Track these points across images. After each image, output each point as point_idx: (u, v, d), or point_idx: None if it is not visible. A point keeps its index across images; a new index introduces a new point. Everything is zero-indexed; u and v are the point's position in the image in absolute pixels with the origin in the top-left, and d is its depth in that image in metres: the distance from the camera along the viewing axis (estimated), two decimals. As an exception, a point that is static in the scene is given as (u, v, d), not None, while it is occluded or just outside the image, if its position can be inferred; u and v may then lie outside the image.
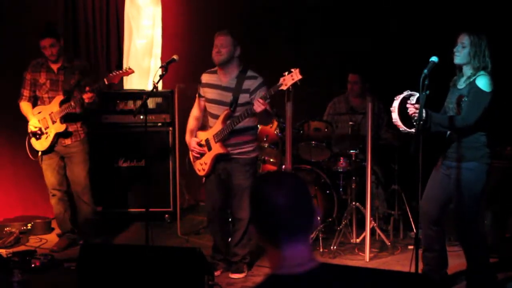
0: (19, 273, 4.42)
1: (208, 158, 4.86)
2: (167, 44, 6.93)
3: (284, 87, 4.46)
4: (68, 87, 5.41)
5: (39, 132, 5.43)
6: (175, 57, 4.82)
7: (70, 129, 5.48)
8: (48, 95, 5.44)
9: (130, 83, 6.77)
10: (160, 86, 5.18)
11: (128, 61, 6.83)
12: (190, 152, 5.05)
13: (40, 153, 5.51)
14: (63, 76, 5.44)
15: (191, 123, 5.03)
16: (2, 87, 6.29)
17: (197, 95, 5.01)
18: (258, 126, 5.32)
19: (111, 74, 5.26)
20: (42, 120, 5.43)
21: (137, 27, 6.85)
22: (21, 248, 5.66)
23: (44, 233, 6.13)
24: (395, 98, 4.29)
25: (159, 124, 6.42)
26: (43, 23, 6.32)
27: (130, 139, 6.34)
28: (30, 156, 5.55)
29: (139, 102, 6.15)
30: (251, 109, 4.52)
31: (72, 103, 5.30)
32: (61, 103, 5.37)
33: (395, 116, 4.27)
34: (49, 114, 5.40)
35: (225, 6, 7.04)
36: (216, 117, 4.80)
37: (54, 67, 5.45)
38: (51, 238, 5.95)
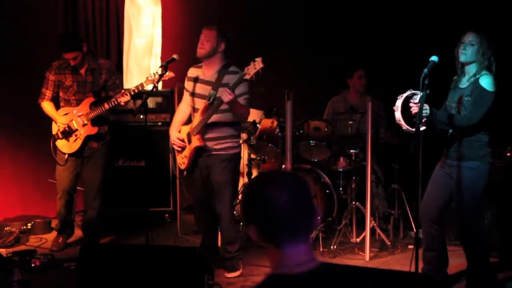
0: (19, 272, 4.42)
1: (188, 151, 4.89)
2: (167, 44, 6.94)
3: (247, 77, 4.47)
4: (98, 88, 5.34)
5: (67, 129, 5.31)
6: (175, 56, 4.81)
7: (100, 131, 5.41)
8: (75, 97, 5.34)
9: (130, 83, 6.76)
10: (160, 86, 5.17)
11: (128, 61, 6.83)
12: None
13: (66, 155, 5.38)
14: (92, 77, 5.34)
15: (176, 116, 5.07)
16: (2, 87, 6.29)
17: (184, 90, 5.03)
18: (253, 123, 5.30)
19: (149, 78, 5.06)
20: (69, 122, 5.33)
21: (137, 26, 6.85)
22: (21, 247, 5.65)
23: (44, 232, 6.13)
24: (398, 97, 4.27)
25: (159, 123, 6.43)
26: (43, 23, 6.35)
27: (130, 138, 6.34)
28: (56, 158, 5.42)
29: (139, 102, 6.13)
30: (221, 100, 4.54)
31: (106, 106, 5.20)
32: (91, 105, 5.29)
33: (398, 115, 4.23)
34: (78, 116, 5.30)
35: (225, 5, 7.05)
36: (197, 110, 4.85)
37: (81, 69, 5.33)
38: (51, 238, 5.94)
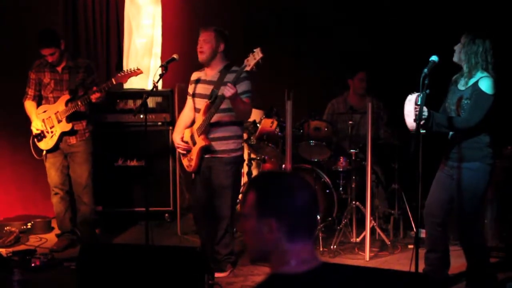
0: (19, 272, 4.42)
1: (194, 153, 4.88)
2: (167, 43, 6.93)
3: (248, 68, 4.50)
4: (74, 86, 5.41)
5: (41, 134, 5.44)
6: (175, 56, 4.82)
7: (76, 127, 5.47)
8: (53, 94, 5.44)
9: (130, 83, 6.71)
10: (160, 86, 5.18)
11: (128, 61, 6.83)
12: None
13: (44, 152, 5.50)
14: (68, 75, 5.43)
15: (179, 122, 5.09)
16: (2, 87, 6.29)
17: (187, 95, 5.05)
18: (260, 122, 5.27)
19: (119, 74, 5.27)
20: (48, 119, 5.43)
21: (137, 26, 6.85)
22: (21, 247, 5.66)
23: (44, 232, 6.14)
24: (406, 101, 4.20)
25: (159, 123, 6.43)
26: (43, 23, 6.33)
27: (130, 138, 6.34)
28: (35, 155, 5.53)
29: (139, 102, 6.15)
30: (222, 95, 4.55)
31: (79, 103, 5.30)
32: (67, 102, 5.37)
33: (410, 120, 4.13)
34: (55, 114, 5.40)
35: (224, 5, 7.04)
36: (199, 111, 4.85)
37: (58, 67, 5.44)
38: (51, 238, 5.95)
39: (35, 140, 5.50)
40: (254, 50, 4.47)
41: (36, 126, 5.43)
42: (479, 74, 4.18)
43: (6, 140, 6.50)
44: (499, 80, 4.21)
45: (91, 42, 6.86)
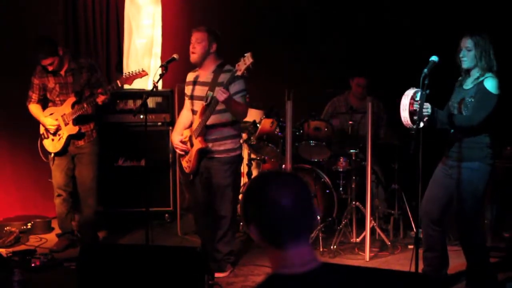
0: (19, 272, 4.42)
1: (191, 155, 4.88)
2: (167, 44, 6.93)
3: (239, 73, 4.47)
4: (79, 88, 5.38)
5: (59, 128, 5.37)
6: (175, 56, 4.82)
7: (83, 130, 5.45)
8: (59, 98, 5.40)
9: (130, 83, 6.76)
10: (160, 86, 5.19)
11: (128, 61, 6.83)
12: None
13: (52, 154, 5.48)
14: (72, 77, 5.39)
15: (178, 122, 5.09)
16: (2, 87, 6.29)
17: (185, 95, 5.05)
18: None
19: (124, 76, 5.26)
20: (57, 122, 5.40)
21: (137, 26, 6.85)
22: (21, 247, 5.66)
23: (44, 232, 6.13)
24: (404, 96, 4.22)
25: (159, 123, 6.43)
26: (43, 23, 6.35)
27: (130, 138, 6.34)
28: (43, 157, 5.51)
29: (139, 102, 6.15)
30: (216, 99, 4.54)
31: (85, 105, 5.28)
32: (73, 104, 5.34)
33: (405, 114, 4.18)
34: (62, 116, 5.37)
35: (225, 5, 7.05)
36: (196, 113, 4.85)
37: (61, 71, 5.39)
38: (51, 238, 5.95)
39: (45, 141, 5.44)
40: (245, 55, 4.44)
41: (51, 123, 5.37)
42: (487, 74, 4.17)
43: (6, 140, 6.50)
44: (499, 80, 4.21)
45: (91, 42, 6.85)
